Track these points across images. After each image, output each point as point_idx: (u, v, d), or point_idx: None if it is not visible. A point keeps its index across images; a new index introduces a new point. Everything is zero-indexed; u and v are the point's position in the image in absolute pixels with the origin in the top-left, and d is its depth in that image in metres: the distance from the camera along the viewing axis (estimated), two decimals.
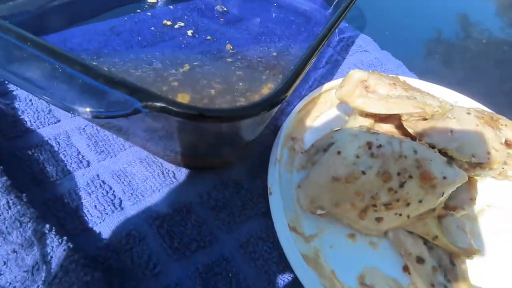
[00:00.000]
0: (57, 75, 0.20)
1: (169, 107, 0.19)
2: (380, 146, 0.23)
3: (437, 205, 0.24)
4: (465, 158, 0.26)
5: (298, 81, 0.23)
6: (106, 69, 0.27)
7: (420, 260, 0.24)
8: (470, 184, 0.27)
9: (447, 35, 0.47)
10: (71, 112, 0.19)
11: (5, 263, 0.20)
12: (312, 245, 0.25)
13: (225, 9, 0.40)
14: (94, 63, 0.30)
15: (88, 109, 0.20)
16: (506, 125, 0.29)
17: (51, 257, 0.20)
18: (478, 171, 0.27)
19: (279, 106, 0.23)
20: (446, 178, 0.23)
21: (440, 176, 0.23)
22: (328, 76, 0.37)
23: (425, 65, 0.41)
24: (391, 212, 0.24)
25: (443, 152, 0.27)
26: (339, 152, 0.24)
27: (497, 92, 0.41)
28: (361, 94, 0.28)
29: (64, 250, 0.20)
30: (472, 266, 0.25)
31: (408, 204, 0.24)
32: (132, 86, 0.20)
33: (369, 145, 0.23)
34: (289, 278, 0.24)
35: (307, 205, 0.24)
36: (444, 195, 0.24)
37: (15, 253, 0.20)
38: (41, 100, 0.29)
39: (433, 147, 0.27)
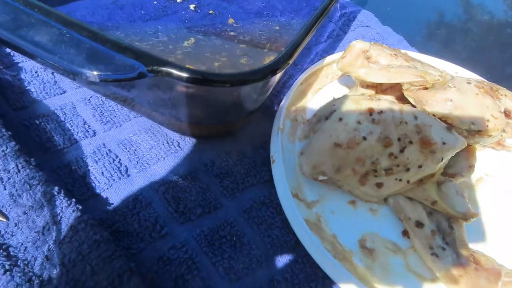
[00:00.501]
0: (65, 40, 0.21)
1: (174, 71, 0.19)
2: (381, 112, 0.24)
3: (436, 170, 0.24)
4: (464, 125, 0.27)
5: (299, 50, 0.23)
6: None
7: (419, 224, 0.25)
8: (469, 152, 0.28)
9: (449, 16, 0.47)
10: (79, 75, 0.20)
11: (16, 224, 0.21)
12: (314, 210, 0.26)
13: None
14: None
15: (95, 72, 0.20)
16: (505, 95, 0.30)
17: (61, 217, 0.21)
18: (477, 138, 0.27)
19: (281, 74, 0.23)
20: (446, 144, 0.24)
21: (440, 141, 0.24)
22: (330, 50, 0.37)
23: (426, 43, 0.41)
24: (391, 177, 0.24)
25: (443, 120, 0.27)
26: (340, 119, 0.24)
27: (499, 73, 0.41)
28: (363, 64, 0.28)
29: (73, 211, 0.21)
30: (470, 231, 0.26)
31: (408, 169, 0.24)
32: (137, 51, 0.20)
33: (370, 111, 0.24)
34: (291, 242, 0.24)
35: (309, 172, 0.25)
36: (444, 161, 0.24)
37: (26, 215, 0.21)
38: (46, 71, 0.29)
39: (433, 115, 0.27)
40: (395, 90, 0.29)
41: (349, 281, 0.23)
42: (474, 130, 0.27)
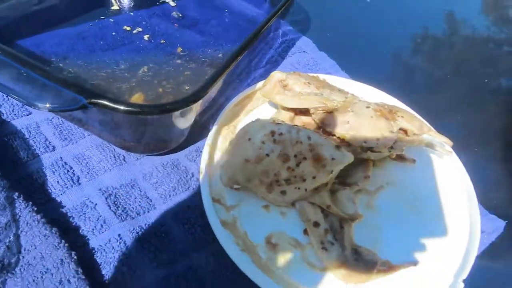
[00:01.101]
0: (22, 78, 0.26)
1: (108, 103, 0.25)
2: (281, 134, 0.30)
3: (328, 180, 0.30)
4: (358, 143, 0.33)
5: (215, 85, 0.29)
6: (71, 70, 0.34)
7: (316, 224, 0.31)
8: (365, 165, 0.34)
9: (380, 44, 0.53)
10: (33, 107, 0.26)
11: None
12: (232, 213, 0.32)
13: (180, 15, 0.45)
14: (61, 65, 0.36)
15: (47, 105, 0.26)
16: (402, 117, 0.36)
17: (19, 216, 0.26)
18: (369, 153, 0.33)
19: (201, 101, 0.29)
20: (334, 159, 0.30)
21: (330, 157, 0.30)
22: (267, 75, 0.43)
23: (359, 67, 0.46)
24: (291, 186, 0.30)
25: (341, 139, 0.33)
26: (249, 139, 0.30)
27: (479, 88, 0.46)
28: (279, 92, 0.34)
29: (30, 211, 0.27)
30: (368, 230, 0.32)
31: (304, 180, 0.30)
32: (80, 86, 0.26)
33: (273, 133, 0.30)
34: (209, 239, 0.30)
35: (226, 181, 0.31)
36: (334, 172, 0.30)
37: None
38: None
39: (334, 135, 0.33)
40: (310, 112, 0.35)
41: (252, 270, 0.28)
42: (367, 147, 0.33)
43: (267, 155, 0.29)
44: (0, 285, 0.24)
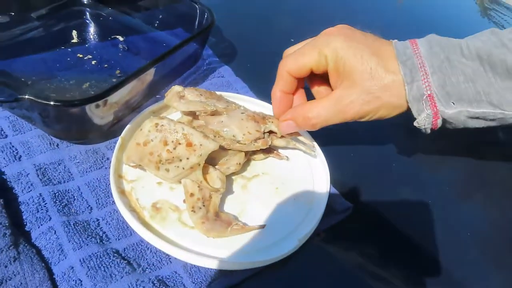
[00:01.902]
0: None
1: (32, 97, 0.37)
2: (162, 125, 0.41)
3: (199, 161, 0.41)
4: (228, 137, 0.44)
5: (112, 92, 0.40)
6: (32, 83, 0.46)
7: (191, 195, 0.41)
8: (239, 155, 0.45)
9: None
10: None
11: None
12: (131, 185, 0.42)
13: (126, 47, 0.59)
14: (23, 79, 0.49)
15: None
16: (272, 122, 0.47)
17: None
18: (239, 146, 0.44)
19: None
20: (202, 145, 0.40)
21: (198, 143, 0.40)
22: None
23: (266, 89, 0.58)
24: (171, 165, 0.41)
25: (219, 135, 0.44)
26: (141, 129, 0.41)
27: None
28: (176, 100, 0.46)
29: None
30: (235, 205, 0.42)
31: (180, 160, 0.41)
32: (14, 85, 0.38)
33: (156, 124, 0.41)
34: (110, 202, 0.41)
35: (126, 160, 0.42)
36: (202, 156, 0.40)
37: None
38: None
39: (213, 130, 0.44)
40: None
41: (136, 225, 0.38)
42: (235, 140, 0.44)
43: (152, 140, 0.41)
44: None
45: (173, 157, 0.41)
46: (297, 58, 0.42)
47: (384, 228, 0.46)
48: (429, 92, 0.37)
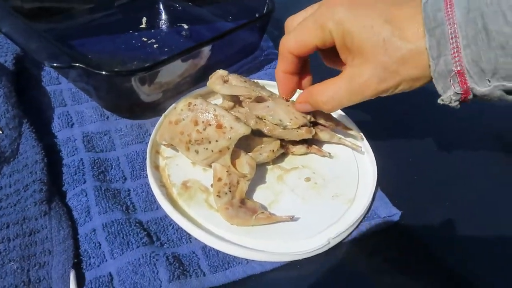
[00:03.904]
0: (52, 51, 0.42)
1: (83, 65, 0.39)
2: (195, 105, 0.40)
3: (229, 144, 0.39)
4: (274, 121, 0.42)
5: (159, 66, 0.41)
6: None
7: (219, 179, 0.40)
8: (274, 143, 0.42)
9: None
10: (43, 64, 0.41)
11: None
12: (165, 161, 0.43)
13: (188, 34, 0.60)
14: (91, 56, 0.53)
15: (54, 64, 0.40)
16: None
17: (23, 133, 0.41)
18: (280, 131, 0.42)
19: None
20: (232, 128, 0.39)
21: (229, 126, 0.39)
22: None
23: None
24: (201, 146, 0.40)
25: (264, 119, 0.42)
26: (175, 108, 0.41)
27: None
28: (219, 83, 0.45)
29: (31, 132, 0.41)
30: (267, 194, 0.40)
31: (210, 142, 0.40)
32: (71, 54, 0.40)
33: (189, 104, 0.40)
34: (144, 175, 0.41)
35: (158, 138, 0.42)
36: (232, 139, 0.39)
37: None
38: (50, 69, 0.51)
39: (258, 116, 0.43)
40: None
41: (163, 200, 0.38)
42: (281, 125, 0.42)
43: (183, 119, 0.40)
44: None
45: (202, 138, 0.39)
46: (298, 36, 0.37)
47: (434, 246, 0.40)
48: (458, 68, 0.31)
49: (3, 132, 0.41)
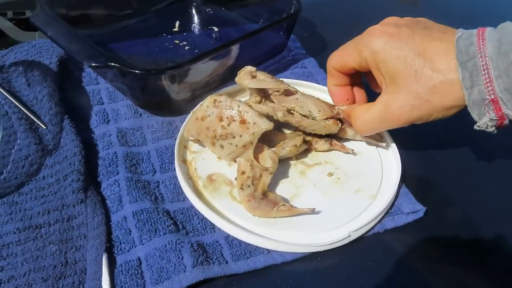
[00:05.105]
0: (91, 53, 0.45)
1: (116, 64, 0.42)
2: (220, 101, 0.42)
3: (252, 139, 0.40)
4: (304, 112, 0.43)
5: (189, 65, 0.43)
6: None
7: (243, 173, 0.41)
8: (296, 138, 0.43)
9: None
10: (83, 63, 0.44)
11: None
12: (192, 156, 0.45)
13: (218, 36, 0.63)
14: (125, 57, 0.56)
15: (92, 64, 0.44)
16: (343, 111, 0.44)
17: (64, 128, 0.45)
18: (308, 121, 0.42)
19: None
20: (256, 124, 0.40)
21: (252, 121, 0.40)
22: None
23: None
24: (225, 141, 0.41)
25: (292, 111, 0.43)
26: (201, 104, 0.43)
27: None
28: (247, 78, 0.46)
29: (71, 127, 0.45)
30: (289, 188, 0.41)
31: (234, 137, 0.41)
32: (108, 56, 0.44)
33: (215, 101, 0.42)
34: (172, 169, 0.43)
35: (186, 134, 0.44)
36: (255, 134, 0.40)
37: None
38: (90, 71, 0.55)
39: (288, 109, 0.44)
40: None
41: (189, 192, 0.40)
42: (310, 116, 0.43)
43: (209, 115, 0.42)
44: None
45: (227, 134, 0.41)
46: (340, 57, 0.41)
47: (458, 244, 0.39)
48: (492, 97, 0.32)
49: (46, 127, 0.45)
